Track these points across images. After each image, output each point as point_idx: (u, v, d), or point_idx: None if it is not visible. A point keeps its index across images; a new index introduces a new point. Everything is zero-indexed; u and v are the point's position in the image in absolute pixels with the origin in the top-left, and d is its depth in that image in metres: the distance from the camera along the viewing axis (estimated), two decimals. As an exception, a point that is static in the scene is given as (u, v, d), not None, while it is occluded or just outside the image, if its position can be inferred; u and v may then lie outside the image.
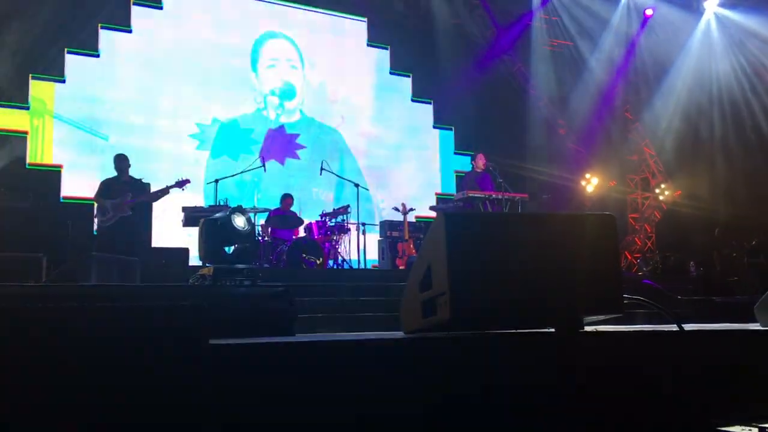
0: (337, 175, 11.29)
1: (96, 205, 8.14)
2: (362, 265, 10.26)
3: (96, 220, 7.98)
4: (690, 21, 13.62)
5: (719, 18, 13.55)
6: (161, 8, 11.51)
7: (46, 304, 1.83)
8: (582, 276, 2.71)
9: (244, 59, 12.24)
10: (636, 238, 14.71)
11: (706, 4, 13.42)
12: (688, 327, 3.07)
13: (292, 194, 10.60)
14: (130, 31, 11.17)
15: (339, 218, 10.23)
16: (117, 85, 10.97)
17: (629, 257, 14.36)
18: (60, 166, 10.38)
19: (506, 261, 2.65)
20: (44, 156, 10.36)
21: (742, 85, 13.23)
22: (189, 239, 8.57)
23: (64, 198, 10.33)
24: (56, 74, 10.53)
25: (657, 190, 14.69)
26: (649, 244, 14.56)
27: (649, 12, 13.70)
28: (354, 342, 2.54)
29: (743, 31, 13.18)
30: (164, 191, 8.15)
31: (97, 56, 10.86)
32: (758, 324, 3.67)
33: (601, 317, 2.92)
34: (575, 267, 2.71)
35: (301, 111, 12.62)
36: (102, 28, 10.92)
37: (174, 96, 11.45)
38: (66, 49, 10.61)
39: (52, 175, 10.34)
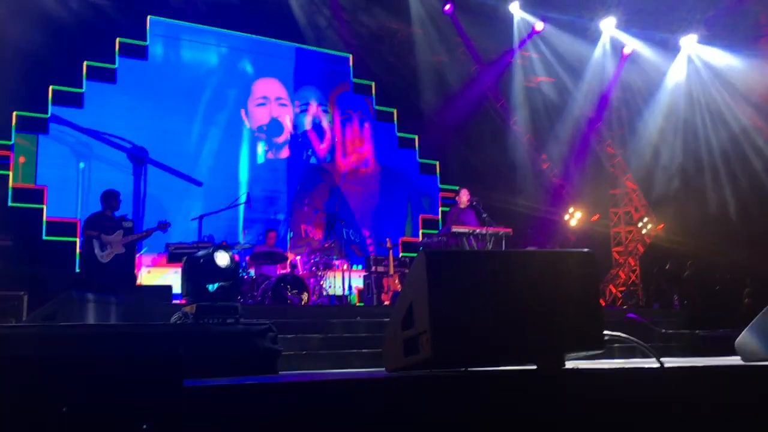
0: (322, 212, 11.32)
1: (88, 240, 7.99)
2: (347, 301, 10.24)
3: (95, 254, 7.83)
4: (668, 58, 13.88)
5: (697, 54, 13.82)
6: (146, 60, 11.61)
7: (22, 348, 1.81)
8: (563, 313, 2.73)
9: (234, 96, 12.33)
10: (620, 272, 14.78)
11: (683, 42, 13.69)
12: (669, 362, 3.08)
13: (276, 230, 10.61)
14: (114, 74, 11.21)
15: (324, 254, 10.22)
16: (104, 123, 10.97)
17: (614, 290, 14.42)
18: (43, 203, 10.31)
19: (487, 299, 2.66)
20: (27, 193, 10.30)
21: (721, 120, 13.44)
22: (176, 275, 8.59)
23: (48, 230, 10.27)
24: (41, 111, 10.54)
25: (640, 224, 14.81)
26: (633, 278, 14.63)
27: (627, 50, 13.97)
28: (336, 381, 2.53)
29: (720, 67, 13.45)
30: (147, 234, 8.28)
31: (83, 94, 10.89)
32: (739, 358, 3.69)
33: (583, 354, 2.93)
34: (556, 304, 2.73)
35: (289, 147, 12.69)
36: (88, 69, 10.97)
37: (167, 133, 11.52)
38: (51, 87, 10.64)
39: (34, 212, 10.25)
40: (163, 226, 8.35)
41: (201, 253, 5.10)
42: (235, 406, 2.13)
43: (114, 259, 7.87)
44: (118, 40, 11.26)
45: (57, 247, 10.13)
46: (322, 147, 13.03)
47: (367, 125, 13.64)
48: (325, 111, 13.21)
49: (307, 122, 12.98)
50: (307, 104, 13.02)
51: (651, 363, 2.92)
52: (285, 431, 2.21)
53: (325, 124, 13.15)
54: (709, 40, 13.48)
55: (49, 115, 10.57)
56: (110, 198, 8.18)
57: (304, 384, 2.46)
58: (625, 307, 12.43)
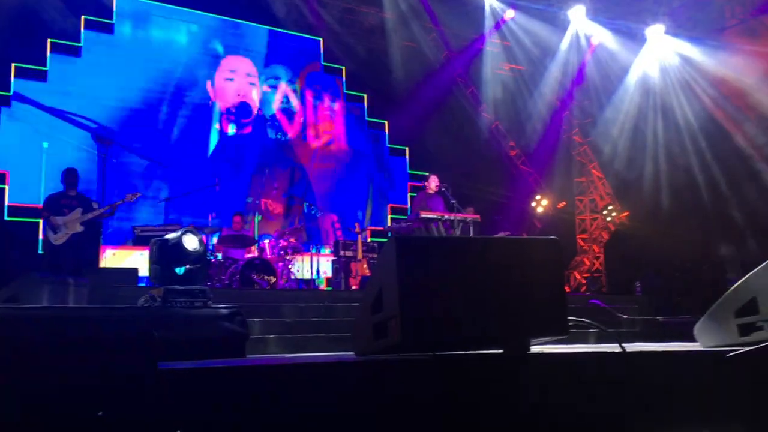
0: (290, 195, 11.27)
1: (45, 222, 7.87)
2: (315, 285, 10.24)
3: (48, 237, 7.71)
4: (634, 48, 14.06)
5: (663, 45, 14.01)
6: (112, 34, 11.38)
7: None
8: (528, 299, 2.79)
9: (203, 76, 12.17)
10: (585, 258, 15.02)
11: (649, 32, 13.86)
12: (631, 347, 3.17)
13: (244, 213, 10.54)
14: (79, 52, 10.99)
15: (292, 236, 10.19)
16: (69, 103, 10.75)
17: (578, 277, 14.65)
18: (5, 184, 10.09)
19: (455, 284, 2.70)
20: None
21: (685, 109, 13.66)
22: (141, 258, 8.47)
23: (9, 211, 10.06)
24: (3, 89, 10.29)
25: (605, 212, 15.05)
26: (597, 264, 14.88)
27: (595, 40, 14.11)
28: (305, 364, 2.55)
29: (686, 58, 13.66)
30: (114, 207, 8.03)
31: (47, 72, 10.65)
32: (699, 344, 3.80)
33: (548, 339, 3.00)
34: (522, 290, 2.78)
35: (254, 125, 12.58)
36: (52, 46, 10.72)
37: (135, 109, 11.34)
38: (14, 65, 10.38)
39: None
40: (132, 196, 8.08)
41: (169, 236, 5.07)
42: (204, 389, 2.14)
43: (72, 240, 7.68)
44: (83, 17, 11.02)
45: (20, 229, 9.93)
46: (292, 128, 12.94)
47: (338, 105, 13.60)
48: (294, 90, 13.10)
49: (276, 101, 12.86)
50: (277, 81, 12.91)
51: (613, 348, 2.99)
52: (253, 415, 2.23)
53: (294, 103, 13.06)
54: (675, 31, 13.68)
55: (11, 92, 10.33)
56: (68, 176, 8.01)
57: (273, 367, 2.48)
58: (588, 293, 12.64)
